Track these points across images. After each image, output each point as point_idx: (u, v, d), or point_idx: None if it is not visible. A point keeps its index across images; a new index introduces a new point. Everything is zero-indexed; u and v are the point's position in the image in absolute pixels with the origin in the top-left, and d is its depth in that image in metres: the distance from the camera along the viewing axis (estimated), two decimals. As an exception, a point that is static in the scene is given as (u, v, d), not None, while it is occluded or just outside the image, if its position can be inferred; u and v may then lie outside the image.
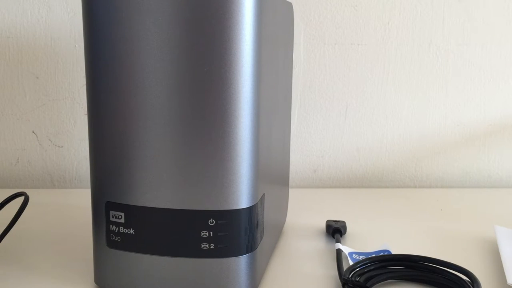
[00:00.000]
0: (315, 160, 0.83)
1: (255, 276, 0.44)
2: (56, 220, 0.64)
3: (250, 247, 0.43)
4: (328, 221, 0.61)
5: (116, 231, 0.43)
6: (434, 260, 0.47)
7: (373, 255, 0.49)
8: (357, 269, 0.47)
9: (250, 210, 0.42)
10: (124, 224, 0.42)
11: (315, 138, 0.83)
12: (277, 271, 0.50)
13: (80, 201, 0.71)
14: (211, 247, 0.42)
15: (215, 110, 0.40)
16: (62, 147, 0.81)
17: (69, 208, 0.68)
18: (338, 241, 0.55)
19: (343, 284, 0.44)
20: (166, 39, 0.39)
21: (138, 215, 0.42)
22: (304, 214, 0.67)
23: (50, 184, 0.82)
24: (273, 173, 0.50)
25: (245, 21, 0.39)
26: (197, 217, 0.41)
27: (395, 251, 0.55)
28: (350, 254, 0.52)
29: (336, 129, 0.82)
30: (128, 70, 0.40)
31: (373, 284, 0.46)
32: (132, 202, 0.42)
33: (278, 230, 0.57)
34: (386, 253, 0.52)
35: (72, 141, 0.81)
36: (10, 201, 0.53)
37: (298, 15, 0.79)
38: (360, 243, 0.57)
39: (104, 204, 0.43)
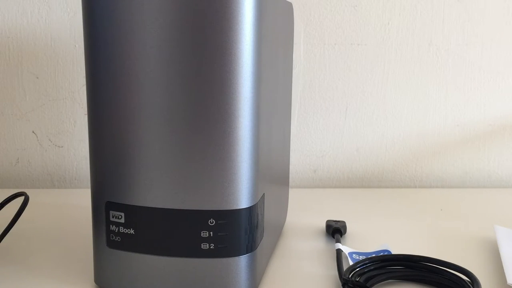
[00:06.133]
0: (315, 160, 0.83)
1: (255, 276, 0.44)
2: (56, 220, 0.64)
3: (250, 247, 0.43)
4: (328, 221, 0.61)
5: (116, 231, 0.43)
6: (434, 260, 0.47)
7: (373, 255, 0.49)
8: (357, 269, 0.47)
9: (250, 210, 0.42)
10: (124, 224, 0.42)
11: (315, 138, 0.83)
12: (277, 271, 0.50)
13: (80, 201, 0.71)
14: (211, 247, 0.41)
15: (215, 110, 0.40)
16: (62, 147, 0.81)
17: (69, 208, 0.68)
18: (338, 241, 0.55)
19: (343, 284, 0.44)
20: (166, 39, 0.39)
21: (138, 215, 0.42)
22: (304, 214, 0.67)
23: (50, 184, 0.82)
24: (273, 173, 0.50)
25: (245, 21, 0.39)
26: (197, 217, 0.41)
27: (395, 251, 0.55)
28: (350, 254, 0.52)
29: (336, 129, 0.82)
30: (128, 70, 0.40)
31: (373, 284, 0.46)
32: (132, 202, 0.42)
33: (278, 230, 0.57)
34: (386, 253, 0.52)
35: (72, 141, 0.81)
36: (10, 201, 0.53)
37: (298, 15, 0.79)
38: (360, 243, 0.57)
39: (104, 204, 0.43)
